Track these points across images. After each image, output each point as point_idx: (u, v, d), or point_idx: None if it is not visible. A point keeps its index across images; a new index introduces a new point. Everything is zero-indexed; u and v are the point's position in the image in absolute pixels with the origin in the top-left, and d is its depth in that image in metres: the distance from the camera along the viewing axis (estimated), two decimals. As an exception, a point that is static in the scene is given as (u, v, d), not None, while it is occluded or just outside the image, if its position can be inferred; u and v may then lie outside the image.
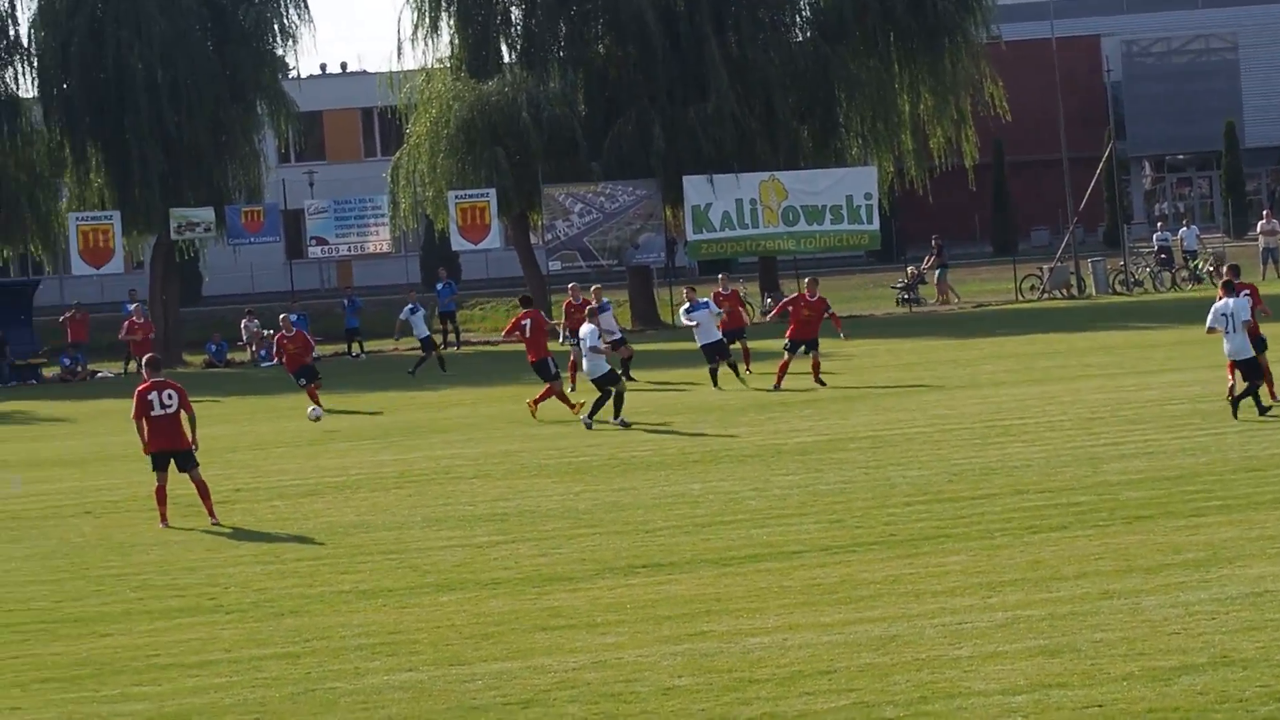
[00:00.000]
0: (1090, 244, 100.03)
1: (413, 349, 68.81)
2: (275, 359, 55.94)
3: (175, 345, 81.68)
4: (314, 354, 54.06)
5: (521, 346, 47.08)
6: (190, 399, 32.30)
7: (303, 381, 51.79)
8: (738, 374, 50.75)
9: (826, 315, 49.66)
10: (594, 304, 49.30)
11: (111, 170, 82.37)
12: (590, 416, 42.47)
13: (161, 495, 31.93)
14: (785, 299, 52.95)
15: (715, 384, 49.74)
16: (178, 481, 31.86)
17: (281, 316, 55.01)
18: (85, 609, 24.73)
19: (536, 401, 44.88)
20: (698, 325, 50.04)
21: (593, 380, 42.55)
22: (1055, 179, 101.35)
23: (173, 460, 31.94)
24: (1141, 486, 29.26)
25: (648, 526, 28.74)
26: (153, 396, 31.79)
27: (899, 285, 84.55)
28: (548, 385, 45.18)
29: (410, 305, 65.08)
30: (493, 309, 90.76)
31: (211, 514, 31.89)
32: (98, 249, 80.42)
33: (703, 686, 18.54)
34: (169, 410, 31.71)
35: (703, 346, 50.18)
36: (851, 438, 37.98)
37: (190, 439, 32.07)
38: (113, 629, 23.29)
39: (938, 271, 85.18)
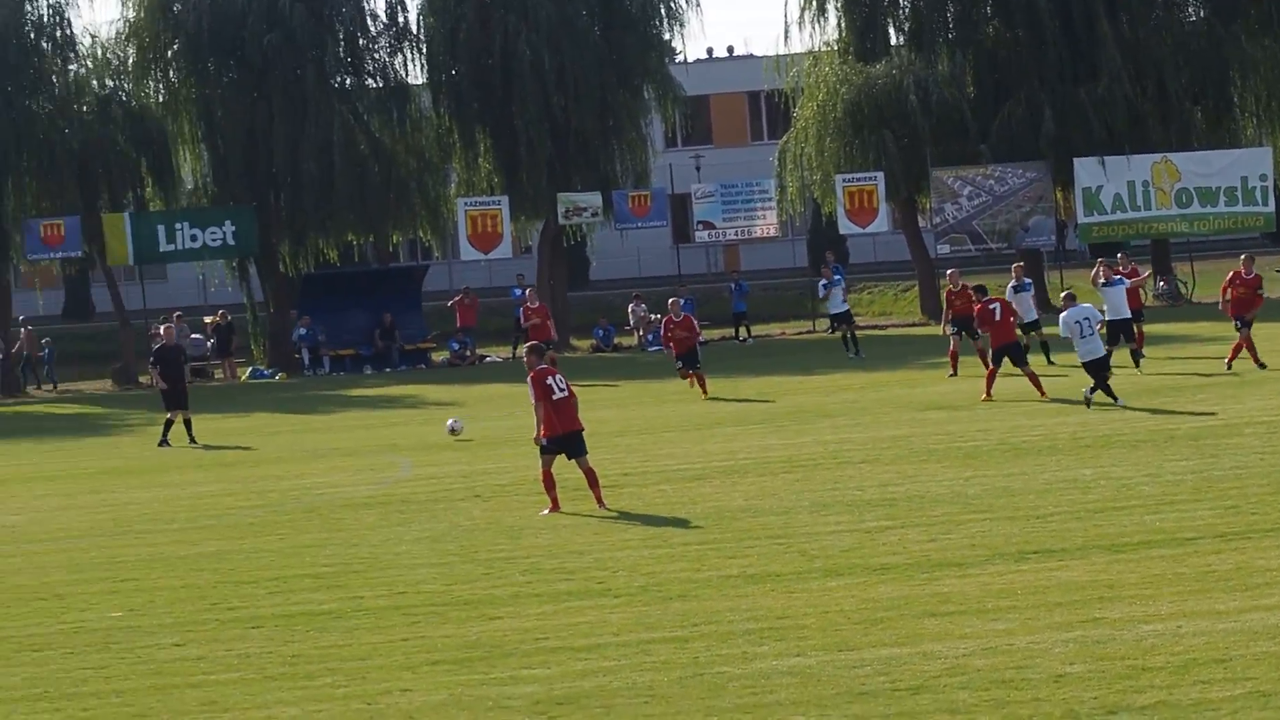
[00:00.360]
0: None
1: (800, 333, 68.74)
2: (663, 344, 56.08)
3: (562, 329, 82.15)
4: (700, 339, 54.22)
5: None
6: (577, 384, 32.61)
7: (680, 365, 52.07)
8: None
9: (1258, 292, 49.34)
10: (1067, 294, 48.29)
11: (499, 156, 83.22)
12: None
13: (550, 481, 32.22)
14: (1225, 281, 51.56)
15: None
16: (562, 466, 32.12)
17: (670, 300, 55.15)
18: (475, 592, 25.03)
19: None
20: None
21: (1085, 364, 42.03)
22: None
23: (564, 447, 32.25)
24: None
25: (1038, 512, 28.50)
26: (550, 381, 32.18)
27: None
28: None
29: (825, 282, 65.35)
30: (880, 293, 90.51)
31: (600, 500, 32.10)
32: (486, 234, 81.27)
33: (1095, 674, 18.33)
34: (564, 393, 32.12)
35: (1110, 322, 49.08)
36: (1247, 423, 37.33)
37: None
38: (502, 612, 23.54)
39: None
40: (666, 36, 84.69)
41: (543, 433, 32.25)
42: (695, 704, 18.26)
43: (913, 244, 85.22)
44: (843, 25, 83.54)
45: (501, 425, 48.35)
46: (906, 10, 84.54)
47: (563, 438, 32.15)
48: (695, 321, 54.06)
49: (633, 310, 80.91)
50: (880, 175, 79.81)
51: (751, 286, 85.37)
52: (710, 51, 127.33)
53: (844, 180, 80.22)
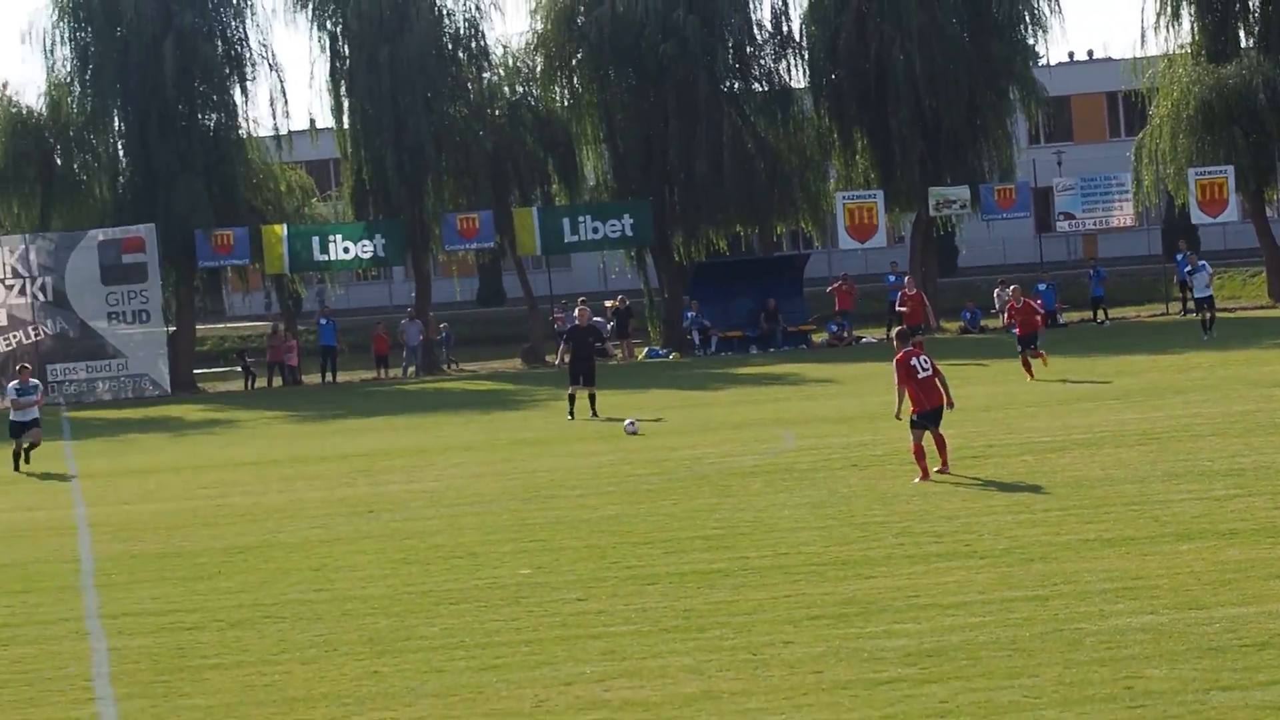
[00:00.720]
0: None
1: (1154, 316, 67.91)
2: (1007, 323, 55.62)
3: (933, 311, 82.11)
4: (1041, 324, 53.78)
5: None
6: (945, 363, 32.58)
7: (1019, 347, 51.70)
8: None
9: None
10: None
11: (875, 153, 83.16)
12: None
13: (920, 452, 32.22)
14: None
15: None
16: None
17: (1013, 288, 54.76)
18: (851, 553, 25.04)
19: None
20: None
21: None
22: None
23: (931, 420, 32.34)
24: None
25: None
26: (914, 362, 32.36)
27: None
28: None
29: (1190, 268, 64.80)
30: (1229, 278, 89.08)
31: (945, 464, 32.31)
32: (862, 225, 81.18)
33: None
34: (928, 372, 32.22)
35: None
36: None
37: (947, 399, 32.45)
38: (876, 571, 23.55)
39: None
40: (1030, 41, 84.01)
41: (912, 410, 32.47)
42: (1055, 657, 18.15)
43: (1261, 233, 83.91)
44: (1195, 29, 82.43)
45: (878, 401, 48.29)
46: (1256, 14, 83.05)
47: (930, 413, 32.36)
48: (1034, 305, 53.37)
49: (998, 295, 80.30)
50: (1230, 169, 78.68)
51: (1108, 273, 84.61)
52: (1071, 55, 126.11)
53: (1196, 174, 79.20)
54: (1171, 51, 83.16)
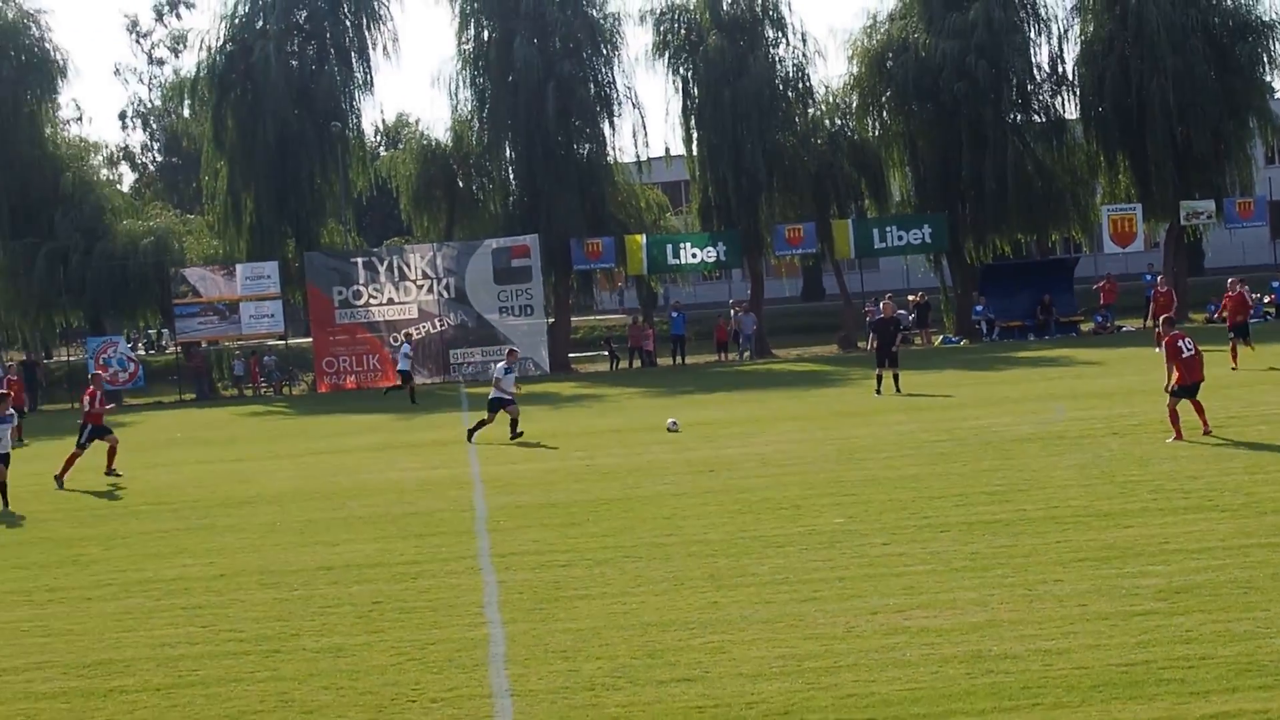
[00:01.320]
0: None
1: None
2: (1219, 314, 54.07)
3: (1182, 306, 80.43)
4: (1250, 316, 52.40)
5: None
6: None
7: (1230, 335, 50.47)
8: None
9: None
10: None
11: (1135, 173, 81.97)
12: None
13: (1174, 416, 32.20)
14: None
15: None
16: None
17: (1230, 280, 53.33)
18: (1111, 506, 24.70)
19: None
20: None
21: None
22: None
23: (1190, 392, 32.46)
24: None
25: None
26: (1181, 344, 32.56)
27: None
28: None
29: None
30: None
31: (1206, 426, 32.35)
32: (1124, 233, 80.00)
33: None
34: (1192, 352, 32.44)
35: None
36: None
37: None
38: (1133, 522, 23.22)
39: None
40: (1267, 78, 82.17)
41: (1177, 381, 32.38)
42: (1286, 595, 17.85)
43: None
44: None
45: (1136, 379, 47.54)
46: None
47: (1191, 386, 32.41)
48: (1246, 298, 51.69)
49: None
50: None
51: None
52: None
53: None
54: None
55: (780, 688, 15.53)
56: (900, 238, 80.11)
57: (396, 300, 76.58)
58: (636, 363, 79.54)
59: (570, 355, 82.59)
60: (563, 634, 18.48)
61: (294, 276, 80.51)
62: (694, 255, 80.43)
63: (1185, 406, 32.43)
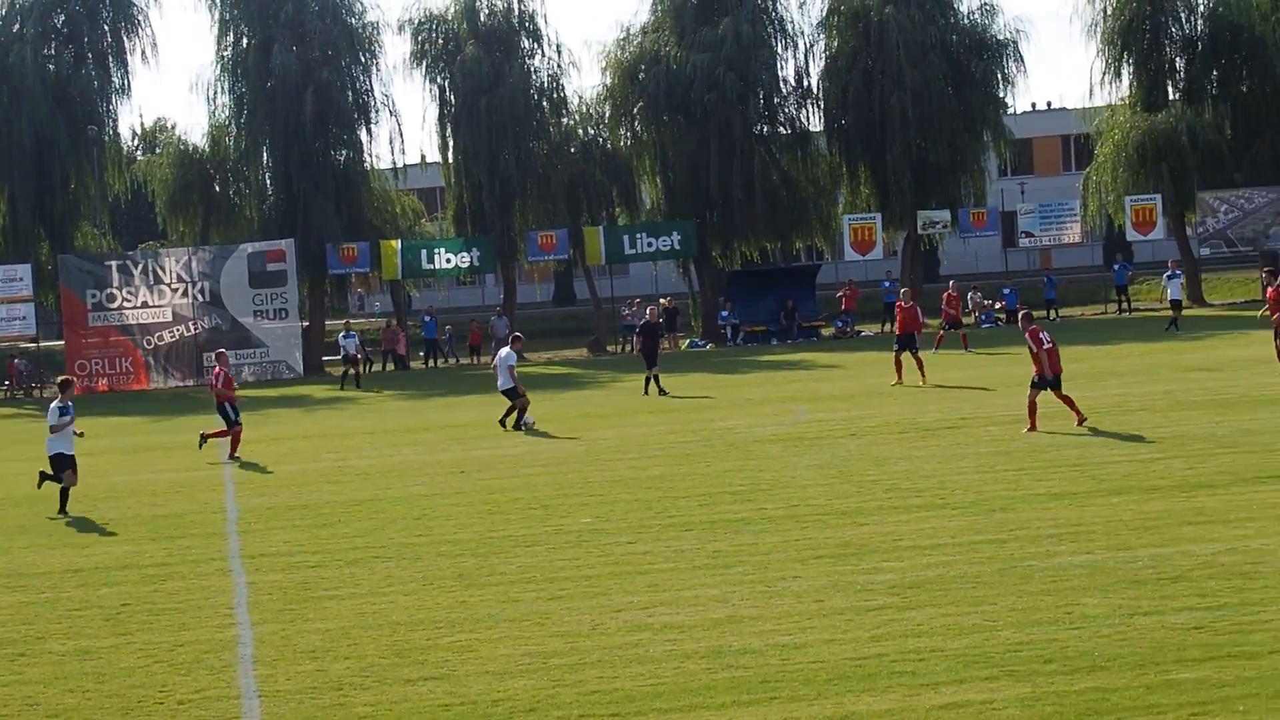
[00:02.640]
0: None
1: (1096, 314, 67.68)
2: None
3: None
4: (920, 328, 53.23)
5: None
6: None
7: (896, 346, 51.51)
8: None
9: None
10: None
11: (875, 183, 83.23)
12: None
13: (1033, 408, 33.16)
14: None
15: None
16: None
17: (903, 290, 54.36)
18: (848, 505, 25.02)
19: None
20: None
21: None
22: None
23: (1050, 384, 33.46)
24: None
25: (1272, 448, 27.81)
26: (1042, 335, 33.67)
27: None
28: None
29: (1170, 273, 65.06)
30: (1156, 284, 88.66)
31: (1080, 416, 33.12)
32: (864, 241, 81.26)
33: (1315, 571, 17.99)
34: (1050, 345, 33.68)
35: None
36: None
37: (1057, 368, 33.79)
38: (868, 520, 23.53)
39: None
40: (1001, 94, 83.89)
41: (1036, 372, 33.41)
42: (1010, 588, 18.17)
43: (1182, 248, 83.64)
44: (1133, 85, 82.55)
45: (875, 382, 48.21)
46: (1182, 73, 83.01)
47: (1051, 378, 33.47)
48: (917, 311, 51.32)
49: (971, 297, 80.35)
50: (1158, 197, 78.85)
51: (1059, 279, 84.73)
52: (1033, 105, 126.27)
53: (1131, 200, 79.21)
54: (1114, 102, 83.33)
55: (526, 685, 15.49)
56: (650, 244, 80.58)
57: (151, 304, 75.35)
58: (390, 366, 79.05)
59: (325, 359, 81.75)
60: (312, 634, 18.26)
61: (47, 279, 78.84)
62: (449, 260, 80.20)
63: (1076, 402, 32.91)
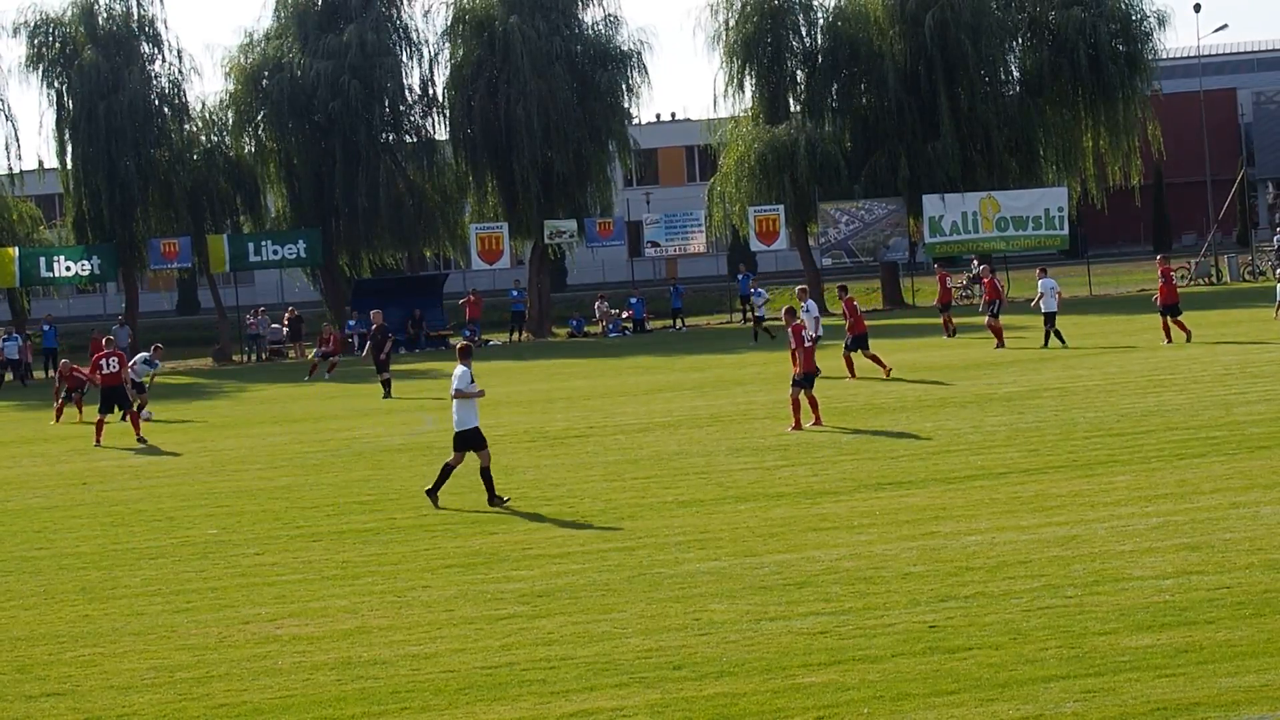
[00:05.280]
0: (1226, 244, 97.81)
1: (721, 324, 68.90)
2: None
3: (547, 320, 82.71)
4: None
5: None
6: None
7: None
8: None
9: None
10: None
11: (502, 192, 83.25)
12: None
13: (797, 405, 33.33)
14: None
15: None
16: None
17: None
18: (478, 513, 24.99)
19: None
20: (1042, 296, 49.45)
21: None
22: (1200, 195, 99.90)
23: (808, 382, 33.57)
24: (1262, 424, 28.60)
25: (892, 454, 28.53)
26: (804, 334, 34.12)
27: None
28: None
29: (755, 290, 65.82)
30: (779, 293, 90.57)
31: (818, 419, 33.36)
32: (491, 250, 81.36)
33: (931, 572, 18.44)
34: (812, 344, 34.44)
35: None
36: (1045, 389, 37.43)
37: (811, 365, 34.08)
38: (498, 529, 23.53)
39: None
40: (626, 105, 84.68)
41: (797, 371, 33.58)
42: (639, 595, 18.31)
43: (804, 257, 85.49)
44: (756, 97, 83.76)
45: (502, 391, 48.27)
46: (802, 86, 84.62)
47: (810, 375, 33.73)
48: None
49: (598, 307, 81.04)
50: (781, 207, 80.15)
51: (685, 289, 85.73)
52: (659, 116, 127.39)
53: (755, 211, 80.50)
54: (737, 114, 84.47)
55: (152, 699, 15.11)
56: (275, 252, 79.60)
57: None
58: (7, 375, 76.55)
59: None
60: (-76, 654, 17.55)
61: None
62: (68, 268, 78.14)
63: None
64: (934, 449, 28.79)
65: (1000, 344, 49.09)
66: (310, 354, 75.53)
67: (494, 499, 25.29)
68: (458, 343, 27.55)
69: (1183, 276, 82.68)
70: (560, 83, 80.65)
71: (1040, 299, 49.34)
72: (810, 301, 45.48)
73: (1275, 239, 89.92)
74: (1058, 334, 49.09)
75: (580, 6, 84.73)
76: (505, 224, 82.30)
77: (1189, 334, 47.53)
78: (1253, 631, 14.91)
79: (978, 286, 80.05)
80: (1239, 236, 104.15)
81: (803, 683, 14.34)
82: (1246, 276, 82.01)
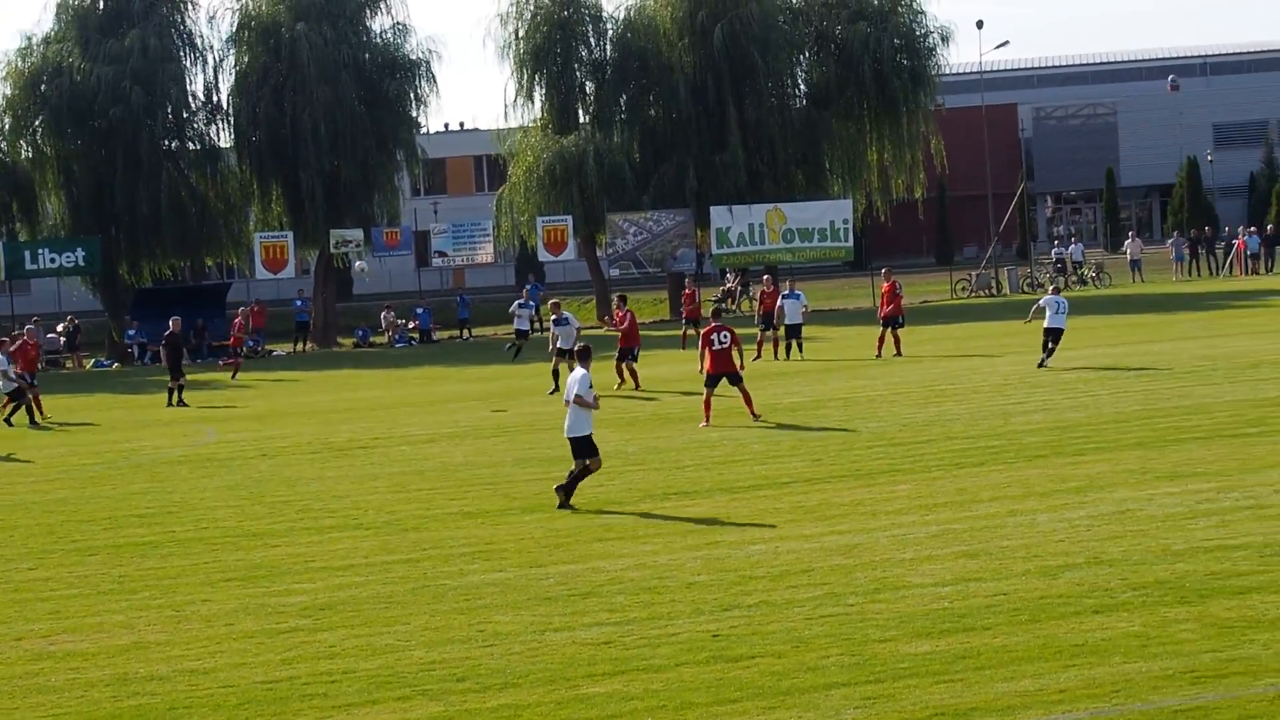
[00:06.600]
0: (1006, 256, 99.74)
1: (509, 334, 68.55)
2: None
3: (332, 330, 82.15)
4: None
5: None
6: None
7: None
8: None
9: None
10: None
11: (288, 200, 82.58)
12: None
13: (708, 404, 34.14)
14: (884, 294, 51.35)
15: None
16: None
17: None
18: (260, 526, 24.72)
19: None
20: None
21: None
22: (982, 209, 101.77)
23: (717, 383, 34.30)
24: (1040, 434, 29.18)
25: (678, 465, 28.67)
26: (714, 336, 34.33)
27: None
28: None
29: (520, 301, 64.77)
30: (568, 304, 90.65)
31: (754, 413, 34.17)
32: (276, 259, 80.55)
33: (716, 582, 18.53)
34: (724, 345, 34.29)
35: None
36: (830, 399, 37.86)
37: (740, 365, 35.23)
38: (280, 541, 23.28)
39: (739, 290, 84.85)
40: (414, 113, 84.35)
41: (709, 370, 34.30)
42: (423, 608, 18.19)
43: (592, 268, 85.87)
44: (545, 107, 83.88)
45: (285, 401, 47.84)
46: (592, 97, 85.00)
47: (717, 375, 34.30)
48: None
49: (384, 316, 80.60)
50: (569, 218, 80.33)
51: (472, 299, 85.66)
52: (447, 125, 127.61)
53: (543, 221, 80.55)
54: (527, 124, 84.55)
55: (-83, 721, 14.72)
56: (53, 260, 78.03)
57: None
58: None
59: None
60: None
61: None
62: None
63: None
64: (719, 459, 28.97)
65: (758, 355, 49.59)
66: (88, 364, 74.33)
67: (565, 503, 24.66)
68: (578, 345, 27.02)
69: (964, 288, 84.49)
70: (347, 91, 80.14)
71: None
72: (568, 314, 45.76)
73: (1054, 252, 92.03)
74: (788, 347, 49.99)
75: (368, 14, 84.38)
76: (290, 233, 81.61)
77: (899, 350, 48.42)
78: (1028, 637, 15.19)
79: (744, 298, 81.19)
80: (1019, 249, 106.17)
81: (587, 693, 14.34)
82: (1026, 289, 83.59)
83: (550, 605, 17.93)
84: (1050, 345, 42.20)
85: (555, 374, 43.78)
